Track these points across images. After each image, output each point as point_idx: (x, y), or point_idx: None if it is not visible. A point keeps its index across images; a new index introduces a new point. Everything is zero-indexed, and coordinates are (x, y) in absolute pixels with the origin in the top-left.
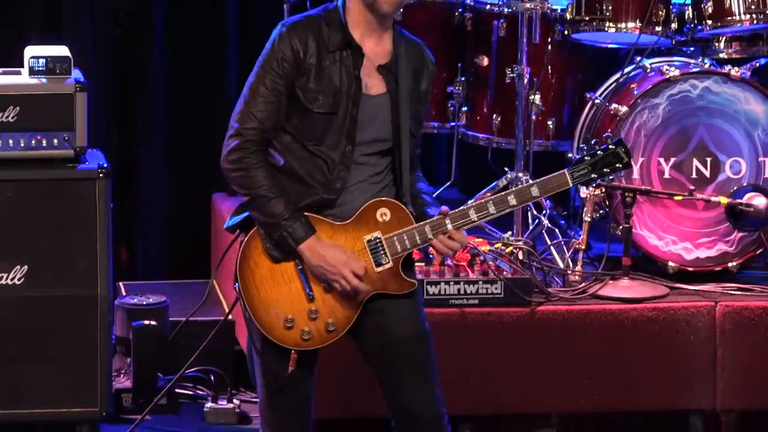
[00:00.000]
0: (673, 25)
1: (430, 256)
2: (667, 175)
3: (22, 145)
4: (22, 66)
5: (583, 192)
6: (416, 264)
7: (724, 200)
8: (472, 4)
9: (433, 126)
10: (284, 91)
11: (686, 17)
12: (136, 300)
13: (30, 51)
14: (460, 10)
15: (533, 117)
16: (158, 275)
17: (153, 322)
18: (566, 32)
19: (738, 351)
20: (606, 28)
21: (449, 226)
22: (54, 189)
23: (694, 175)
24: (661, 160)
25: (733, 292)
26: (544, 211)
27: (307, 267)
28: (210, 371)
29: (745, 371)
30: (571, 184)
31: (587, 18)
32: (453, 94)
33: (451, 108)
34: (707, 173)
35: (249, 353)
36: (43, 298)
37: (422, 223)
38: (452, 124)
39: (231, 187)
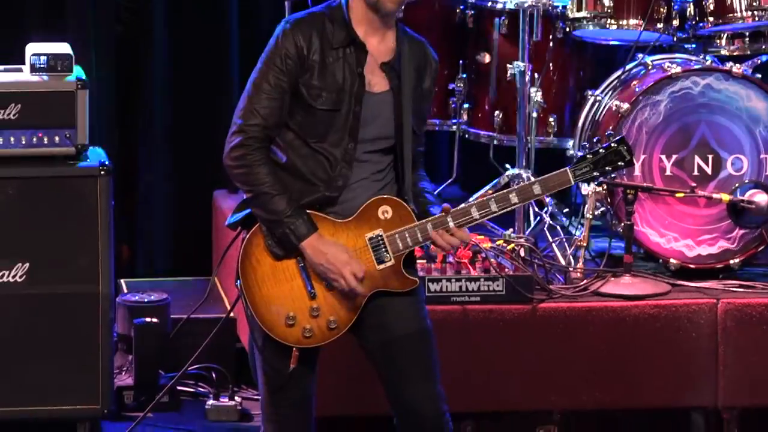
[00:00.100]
0: (675, 22)
1: (432, 253)
2: (668, 172)
3: (24, 142)
4: (24, 63)
5: (585, 189)
6: (418, 261)
7: (725, 197)
8: (473, 1)
9: (434, 123)
10: (287, 88)
11: (688, 14)
12: (137, 297)
13: (31, 48)
14: (461, 7)
15: (534, 114)
16: (160, 272)
17: (154, 320)
18: (567, 29)
19: (740, 348)
20: (608, 25)
21: (451, 224)
22: (55, 186)
23: (695, 172)
24: (663, 157)
25: (734, 289)
26: (545, 208)
27: (308, 264)
28: (211, 368)
29: (746, 368)
30: (573, 182)
31: (588, 15)
32: (454, 91)
33: (453, 105)
34: (709, 170)
35: (250, 350)
36: (44, 295)
37: (424, 220)
38: (454, 121)
39: (232, 184)
